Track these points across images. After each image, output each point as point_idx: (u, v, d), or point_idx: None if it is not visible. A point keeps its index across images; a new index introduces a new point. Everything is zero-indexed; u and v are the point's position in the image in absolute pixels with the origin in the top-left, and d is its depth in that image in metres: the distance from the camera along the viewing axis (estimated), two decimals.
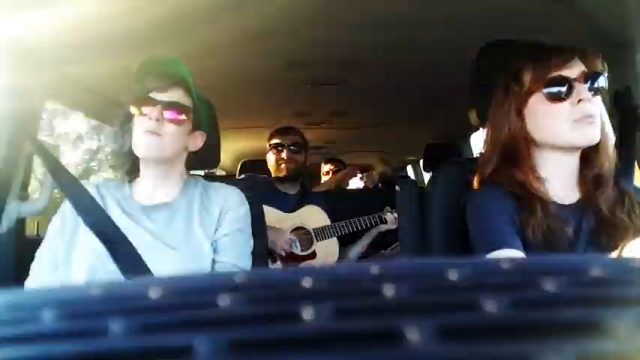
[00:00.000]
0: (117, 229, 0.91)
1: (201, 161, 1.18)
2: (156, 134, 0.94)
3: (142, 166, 1.03)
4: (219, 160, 1.20)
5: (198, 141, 1.06)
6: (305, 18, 1.18)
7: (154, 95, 0.95)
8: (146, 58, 0.95)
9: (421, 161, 3.07)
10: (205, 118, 1.06)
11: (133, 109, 0.96)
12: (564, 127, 0.79)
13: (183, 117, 0.97)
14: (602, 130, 0.81)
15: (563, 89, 0.78)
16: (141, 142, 0.95)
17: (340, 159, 3.12)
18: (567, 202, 0.84)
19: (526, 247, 0.80)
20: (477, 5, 1.10)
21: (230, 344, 0.12)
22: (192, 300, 0.14)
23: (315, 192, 2.13)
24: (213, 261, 0.99)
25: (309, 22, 1.21)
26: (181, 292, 0.14)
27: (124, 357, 0.12)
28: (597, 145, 0.81)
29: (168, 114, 0.94)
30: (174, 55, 0.97)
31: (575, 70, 0.79)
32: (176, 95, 0.97)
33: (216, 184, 1.09)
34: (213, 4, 1.09)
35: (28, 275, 0.95)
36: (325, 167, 3.06)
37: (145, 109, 0.94)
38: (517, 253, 0.77)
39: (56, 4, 0.97)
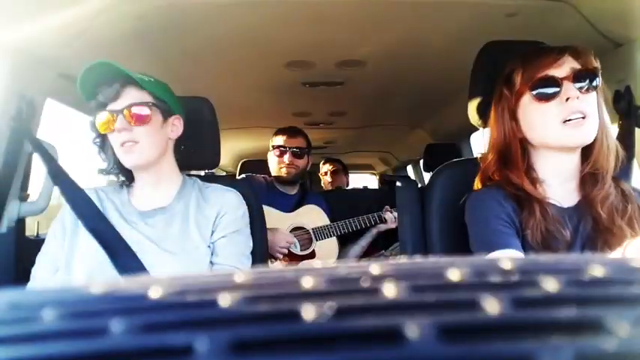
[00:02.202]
0: (116, 233, 0.91)
1: (201, 161, 1.18)
2: (131, 142, 0.92)
3: (134, 173, 1.02)
4: (219, 160, 1.20)
5: (177, 127, 1.03)
6: (305, 18, 1.18)
7: (111, 107, 0.92)
8: (82, 74, 0.90)
9: (421, 161, 3.07)
10: (172, 101, 1.01)
11: (100, 129, 0.94)
12: (554, 127, 0.78)
13: (146, 113, 0.93)
14: (601, 129, 0.81)
15: (551, 89, 0.78)
16: (122, 155, 0.94)
17: (339, 159, 3.11)
18: (566, 204, 0.83)
19: (525, 249, 0.80)
20: (478, 6, 1.10)
21: (230, 343, 0.12)
22: (193, 299, 0.14)
23: (314, 192, 2.13)
24: (212, 263, 0.99)
25: (309, 22, 1.21)
26: (181, 291, 0.14)
27: (124, 356, 0.12)
28: (594, 144, 0.81)
29: (132, 118, 0.92)
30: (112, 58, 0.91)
31: (564, 68, 0.78)
32: (130, 96, 0.93)
33: (214, 186, 1.08)
34: (214, 4, 1.09)
35: (28, 275, 0.95)
36: (324, 167, 3.05)
37: (111, 125, 0.92)
38: (516, 254, 0.77)
39: (56, 4, 0.97)
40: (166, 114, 0.99)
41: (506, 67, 0.85)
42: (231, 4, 1.09)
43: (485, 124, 1.00)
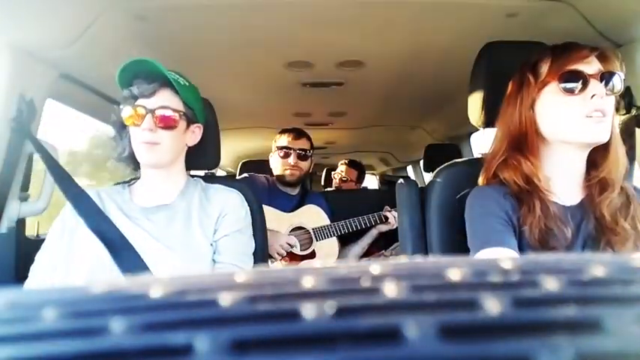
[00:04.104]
0: (117, 231, 0.92)
1: (202, 162, 1.18)
2: (153, 143, 0.94)
3: (142, 170, 1.03)
4: (219, 161, 1.20)
5: (196, 134, 1.05)
6: (305, 19, 1.18)
7: (142, 102, 0.94)
8: (125, 64, 0.92)
9: (421, 161, 3.07)
10: (199, 109, 1.04)
11: (125, 121, 0.95)
12: (575, 121, 0.79)
13: (175, 119, 0.95)
14: (614, 134, 0.81)
15: (578, 83, 0.78)
16: (141, 153, 0.95)
17: (360, 165, 2.86)
18: (569, 203, 0.83)
19: (522, 247, 0.80)
20: (478, 6, 1.10)
21: (231, 343, 0.12)
22: (193, 299, 0.14)
23: (315, 192, 2.13)
24: (214, 262, 0.99)
25: (309, 23, 1.21)
26: (182, 290, 0.14)
27: (125, 356, 0.12)
28: (606, 147, 0.81)
29: (160, 122, 0.94)
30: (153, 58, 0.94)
31: (592, 67, 0.79)
32: (163, 98, 0.95)
33: (216, 186, 1.09)
34: (214, 5, 1.09)
35: (28, 275, 0.95)
36: (340, 168, 2.84)
37: (137, 120, 0.93)
38: (510, 252, 0.77)
39: (57, 4, 0.97)
40: (190, 121, 1.02)
41: (533, 56, 0.85)
42: (231, 4, 1.09)
43: (485, 124, 1.00)
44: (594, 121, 0.77)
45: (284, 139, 1.78)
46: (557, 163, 0.84)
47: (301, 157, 1.74)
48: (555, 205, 0.81)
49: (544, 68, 0.82)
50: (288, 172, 1.73)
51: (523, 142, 0.84)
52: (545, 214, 0.79)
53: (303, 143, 1.77)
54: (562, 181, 0.84)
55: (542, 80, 0.82)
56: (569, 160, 0.83)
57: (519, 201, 0.81)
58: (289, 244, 1.63)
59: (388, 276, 0.15)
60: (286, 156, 1.74)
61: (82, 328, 0.13)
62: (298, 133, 1.79)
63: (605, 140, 0.79)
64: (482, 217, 0.82)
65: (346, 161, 2.89)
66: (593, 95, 0.77)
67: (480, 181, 0.90)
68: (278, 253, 1.60)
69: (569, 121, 0.79)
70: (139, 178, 1.07)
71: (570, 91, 0.79)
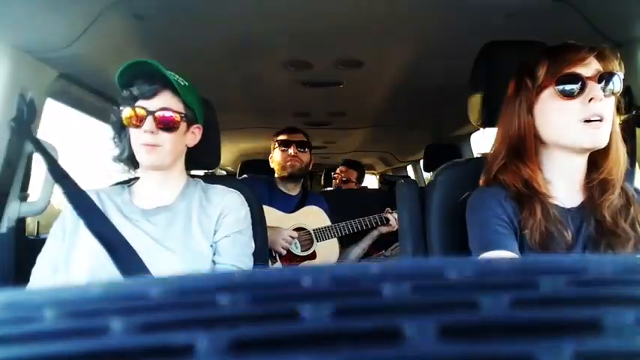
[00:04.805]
0: (117, 232, 0.91)
1: (202, 162, 1.18)
2: (154, 145, 0.94)
3: (141, 172, 1.03)
4: (219, 161, 1.20)
5: (196, 135, 1.05)
6: (305, 18, 1.18)
7: (143, 103, 0.93)
8: (125, 65, 0.91)
9: (421, 161, 3.06)
10: (198, 110, 1.04)
11: (125, 122, 0.95)
12: (572, 126, 0.77)
13: (176, 121, 0.95)
14: (612, 133, 0.80)
15: (576, 86, 0.77)
16: (141, 154, 0.95)
17: (359, 165, 2.93)
18: (569, 205, 0.83)
19: (523, 250, 0.79)
20: (478, 6, 1.10)
21: (231, 343, 0.12)
22: (193, 299, 0.14)
23: (315, 192, 2.13)
24: (214, 262, 0.99)
25: (308, 22, 1.21)
26: (182, 291, 0.14)
27: (125, 355, 0.12)
28: (606, 148, 0.80)
29: (161, 123, 0.93)
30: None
31: (590, 68, 0.77)
32: (164, 99, 0.95)
33: (216, 187, 1.08)
34: (213, 5, 1.09)
35: (28, 275, 0.95)
36: (339, 169, 2.91)
37: (137, 122, 0.93)
38: (510, 255, 0.77)
39: (56, 4, 0.97)
40: (190, 123, 1.02)
41: (530, 60, 0.84)
42: (230, 4, 1.09)
43: (485, 124, 1.00)
44: (593, 127, 0.76)
45: (282, 135, 1.83)
46: (557, 166, 0.83)
47: (300, 149, 1.78)
48: (556, 207, 0.81)
49: (541, 72, 0.81)
50: (289, 162, 1.75)
51: (522, 148, 0.83)
52: (546, 217, 0.78)
53: (300, 136, 1.82)
54: (562, 184, 0.83)
55: (540, 84, 0.81)
56: (568, 163, 0.83)
57: (520, 204, 0.81)
58: (292, 237, 1.63)
59: (388, 276, 0.15)
60: (286, 148, 1.77)
61: (82, 328, 0.13)
62: (294, 129, 1.85)
63: (603, 145, 0.78)
64: (483, 220, 0.82)
65: (345, 162, 2.93)
66: (591, 99, 0.75)
67: (481, 182, 0.89)
68: (282, 247, 1.60)
69: (568, 126, 0.78)
70: (138, 179, 1.07)
71: (568, 95, 0.77)
